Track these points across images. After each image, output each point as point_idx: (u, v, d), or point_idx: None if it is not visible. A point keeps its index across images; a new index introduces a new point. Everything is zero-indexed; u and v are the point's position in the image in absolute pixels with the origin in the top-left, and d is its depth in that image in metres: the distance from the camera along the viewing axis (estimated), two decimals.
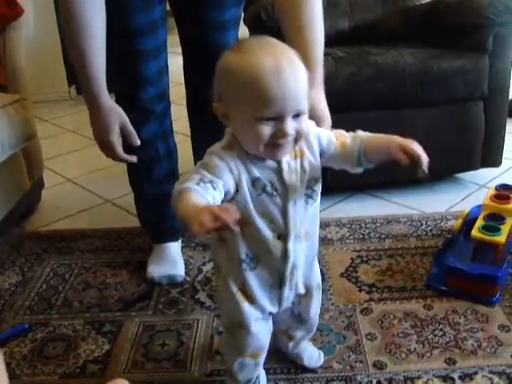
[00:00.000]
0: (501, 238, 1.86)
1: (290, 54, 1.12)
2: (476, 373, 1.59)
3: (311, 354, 1.62)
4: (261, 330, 1.37)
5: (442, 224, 2.31)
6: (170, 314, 1.88)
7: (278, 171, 1.20)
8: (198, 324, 1.82)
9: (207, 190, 1.07)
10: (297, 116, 1.12)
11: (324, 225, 2.34)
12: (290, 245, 1.26)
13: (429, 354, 1.65)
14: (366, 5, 2.96)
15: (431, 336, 1.72)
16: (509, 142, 2.87)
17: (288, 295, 1.35)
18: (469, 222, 2.05)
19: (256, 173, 1.17)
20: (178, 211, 1.04)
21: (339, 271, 2.04)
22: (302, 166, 1.23)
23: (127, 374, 1.63)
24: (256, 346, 1.39)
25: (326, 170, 1.29)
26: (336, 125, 2.39)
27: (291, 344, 1.59)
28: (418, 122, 2.49)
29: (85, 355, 1.72)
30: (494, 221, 1.94)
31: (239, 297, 1.30)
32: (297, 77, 1.11)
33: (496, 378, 1.57)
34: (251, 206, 1.18)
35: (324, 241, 2.23)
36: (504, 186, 2.14)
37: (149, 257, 2.12)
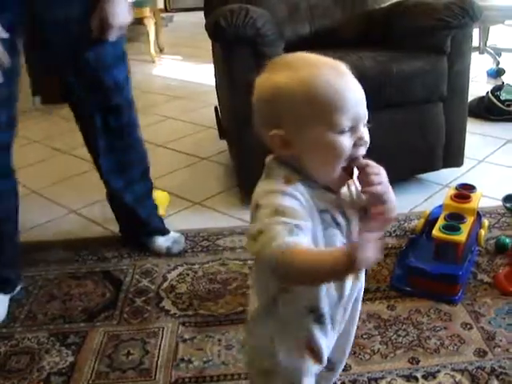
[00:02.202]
0: (461, 237, 1.89)
1: (333, 60, 1.05)
2: (439, 371, 1.61)
3: None
4: None
5: (405, 225, 2.34)
6: (134, 323, 1.87)
7: (339, 203, 1.08)
8: (162, 332, 1.82)
9: (302, 239, 0.96)
10: (364, 125, 1.04)
11: None
12: (347, 283, 1.13)
13: (392, 355, 1.67)
14: (327, 10, 2.98)
15: (395, 336, 1.74)
16: (470, 142, 2.92)
17: (333, 338, 1.20)
18: (430, 221, 2.07)
19: (322, 205, 1.05)
20: (301, 268, 0.94)
21: None
22: (352, 194, 1.11)
23: None
24: None
25: None
26: None
27: None
28: (379, 124, 2.44)
29: (49, 368, 1.70)
30: (455, 220, 1.96)
31: (303, 353, 1.15)
32: (356, 80, 1.04)
33: (458, 376, 1.59)
34: (321, 242, 1.05)
35: None
36: (464, 186, 2.17)
37: (114, 266, 2.11)
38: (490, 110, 3.60)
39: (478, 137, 3.31)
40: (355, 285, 1.16)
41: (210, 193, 2.76)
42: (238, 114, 2.47)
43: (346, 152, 1.02)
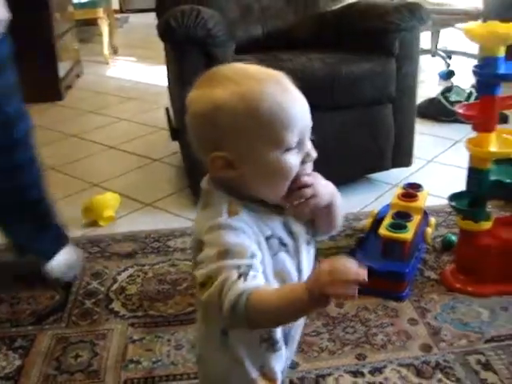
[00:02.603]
0: (407, 235, 1.92)
1: (276, 72, 1.00)
2: (385, 366, 1.64)
3: None
4: None
5: (355, 224, 2.37)
6: (83, 325, 1.85)
7: (285, 222, 1.04)
8: (112, 333, 1.80)
9: (258, 280, 0.92)
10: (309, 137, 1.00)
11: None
12: None
13: (340, 351, 1.69)
14: (279, 11, 3.00)
15: (342, 333, 1.76)
16: (420, 142, 2.98)
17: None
18: (378, 220, 2.10)
19: (268, 230, 1.00)
20: (265, 316, 0.91)
21: None
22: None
23: None
24: None
25: None
26: None
27: None
28: (329, 126, 2.54)
29: None
30: (402, 219, 2.00)
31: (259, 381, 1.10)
32: (299, 91, 0.99)
33: (404, 371, 1.62)
34: (268, 270, 1.00)
35: None
36: (411, 185, 2.21)
37: None
38: (439, 111, 3.67)
39: (427, 137, 3.37)
40: None
41: (162, 194, 2.75)
42: None
43: (294, 171, 0.97)
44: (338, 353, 1.69)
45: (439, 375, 1.61)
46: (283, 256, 1.02)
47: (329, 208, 1.05)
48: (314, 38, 2.88)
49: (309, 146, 0.99)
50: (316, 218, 1.08)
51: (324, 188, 1.02)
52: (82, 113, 4.15)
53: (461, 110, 1.91)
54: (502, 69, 1.76)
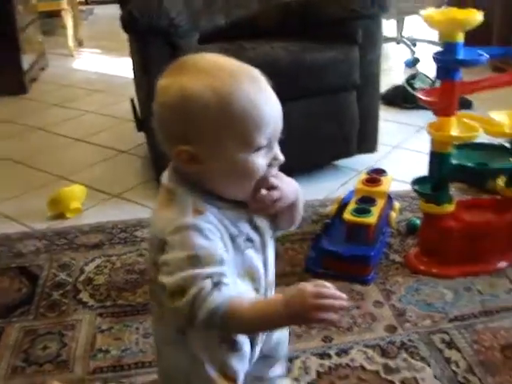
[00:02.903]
0: (371, 220, 1.95)
1: (251, 68, 0.98)
2: (351, 348, 1.67)
3: None
4: None
5: (321, 210, 2.39)
6: (51, 316, 1.85)
7: (250, 217, 1.03)
8: (80, 324, 1.81)
9: (231, 287, 0.93)
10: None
11: None
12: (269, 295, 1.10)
13: (307, 335, 1.71)
14: (243, 1, 3.00)
15: None
16: (386, 129, 3.02)
17: (258, 350, 1.17)
18: (343, 206, 2.13)
19: (232, 228, 0.99)
20: (241, 327, 0.94)
21: None
22: None
23: (7, 380, 1.60)
24: None
25: None
26: None
27: None
28: (295, 114, 2.55)
29: None
30: (365, 203, 2.03)
31: (219, 380, 1.08)
32: (272, 90, 0.97)
33: (370, 351, 1.65)
34: (237, 268, 1.00)
35: None
36: (375, 171, 2.25)
37: (30, 262, 2.08)
38: (404, 98, 3.70)
39: (392, 124, 3.41)
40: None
41: (129, 185, 2.75)
42: None
43: (260, 172, 0.96)
44: (304, 336, 1.71)
45: (404, 355, 1.64)
46: (251, 253, 1.02)
47: (291, 206, 1.06)
48: (279, 27, 2.88)
49: (277, 149, 0.99)
50: (278, 215, 1.08)
51: (288, 188, 1.03)
52: (48, 106, 4.11)
53: (421, 96, 1.94)
54: (461, 54, 1.79)
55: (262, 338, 1.14)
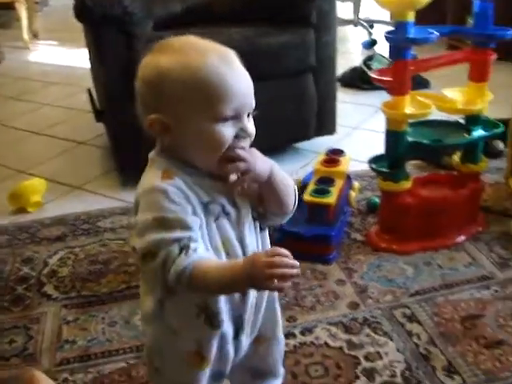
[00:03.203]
0: (330, 200, 1.98)
1: (225, 48, 1.04)
2: (315, 326, 1.70)
3: None
4: None
5: None
6: (16, 310, 1.84)
7: (226, 191, 1.05)
8: (45, 317, 1.80)
9: (199, 251, 0.97)
10: (249, 115, 1.03)
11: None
12: None
13: None
14: None
15: None
16: (344, 110, 3.06)
17: (245, 344, 1.18)
18: (303, 187, 2.14)
19: (205, 197, 1.02)
20: (207, 287, 0.97)
21: None
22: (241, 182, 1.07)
23: None
24: None
25: None
26: None
27: None
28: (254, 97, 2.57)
29: None
30: (325, 184, 2.05)
31: (192, 359, 1.11)
32: (244, 69, 1.03)
33: (334, 329, 1.69)
34: (205, 239, 1.02)
35: None
36: (334, 151, 2.27)
37: None
38: (362, 79, 3.74)
39: (351, 105, 3.45)
40: None
41: (89, 177, 2.73)
42: (112, 96, 2.47)
43: (225, 143, 1.00)
44: None
45: (367, 330, 1.68)
46: (224, 222, 1.04)
47: (270, 185, 1.07)
48: (234, 13, 2.88)
49: (246, 122, 1.02)
50: (263, 197, 1.10)
51: (261, 164, 1.04)
52: (3, 99, 4.05)
53: (375, 76, 1.97)
54: (412, 33, 1.82)
55: (248, 322, 1.15)
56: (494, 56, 1.98)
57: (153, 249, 0.96)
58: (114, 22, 2.34)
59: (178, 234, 0.96)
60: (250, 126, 1.03)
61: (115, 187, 2.60)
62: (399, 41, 1.84)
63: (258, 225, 1.11)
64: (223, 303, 1.07)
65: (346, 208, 2.18)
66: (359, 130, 3.14)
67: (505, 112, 2.49)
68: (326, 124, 2.80)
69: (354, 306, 1.78)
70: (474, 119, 2.04)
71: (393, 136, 1.94)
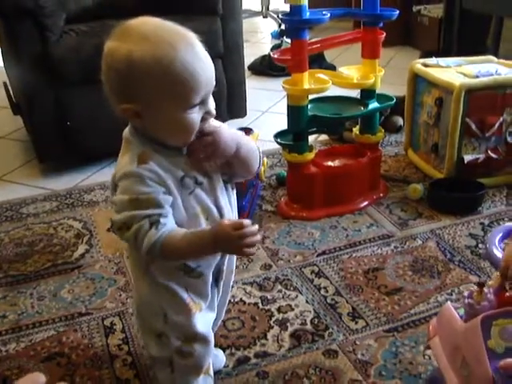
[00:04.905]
0: None
1: (186, 31, 1.08)
2: (232, 286, 1.81)
3: (216, 354, 1.54)
4: (212, 336, 1.32)
5: None
6: None
7: (198, 165, 1.14)
8: None
9: (168, 225, 1.08)
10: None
11: (89, 190, 2.49)
12: None
13: None
14: None
15: None
16: (255, 96, 3.24)
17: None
18: None
19: (180, 171, 1.11)
20: (185, 254, 1.11)
21: (106, 227, 2.20)
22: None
23: None
24: (209, 356, 1.34)
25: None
26: (88, 95, 2.52)
27: None
28: None
29: None
30: None
31: (193, 305, 1.23)
32: (206, 52, 1.08)
33: (248, 287, 1.84)
34: (182, 210, 1.12)
35: (90, 203, 2.39)
36: (243, 130, 2.40)
37: None
38: (271, 66, 3.92)
39: (262, 91, 3.63)
40: None
41: (9, 168, 2.78)
42: (27, 87, 2.53)
43: (195, 128, 1.08)
44: None
45: (279, 287, 1.84)
46: (199, 192, 1.14)
47: (237, 157, 1.18)
48: (144, 5, 2.98)
49: (210, 105, 1.10)
50: (231, 164, 1.20)
51: (228, 142, 1.15)
52: None
53: (275, 55, 2.13)
54: (306, 15, 1.99)
55: (225, 271, 1.29)
56: (383, 35, 2.18)
57: (127, 222, 1.08)
58: (26, 14, 2.39)
59: (148, 211, 1.06)
60: (212, 106, 1.11)
61: (36, 176, 2.67)
62: (294, 22, 1.99)
63: (228, 186, 1.22)
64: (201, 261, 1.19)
65: (255, 181, 2.32)
66: (269, 113, 3.31)
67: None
68: (236, 108, 2.95)
69: (266, 267, 1.94)
70: (368, 93, 2.23)
71: (294, 111, 2.10)
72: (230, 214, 1.22)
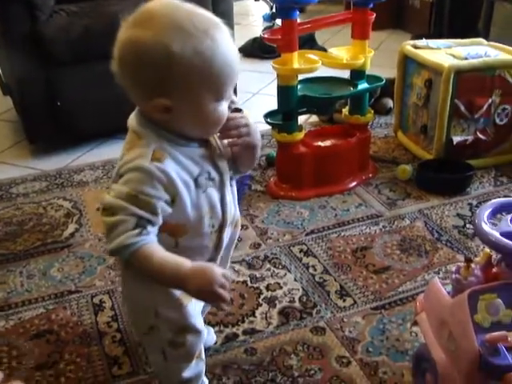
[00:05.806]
0: None
1: (213, 16, 1.04)
2: None
3: (208, 332, 1.52)
4: (203, 324, 1.31)
5: None
6: None
7: (212, 158, 1.12)
8: None
9: (152, 236, 1.04)
10: None
11: (79, 170, 2.49)
12: (224, 234, 1.20)
13: None
14: None
15: None
16: (246, 78, 3.28)
17: None
18: None
19: (195, 168, 1.08)
20: (153, 272, 1.04)
21: (95, 207, 2.20)
22: (219, 145, 1.15)
23: None
24: (201, 343, 1.32)
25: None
26: (79, 75, 2.52)
27: None
28: None
29: None
30: None
31: (184, 298, 1.19)
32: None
33: (237, 266, 1.85)
34: (189, 210, 1.09)
35: (80, 184, 2.39)
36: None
37: None
38: (262, 48, 3.91)
39: (253, 73, 3.62)
40: (234, 232, 1.27)
41: (0, 149, 2.79)
42: (17, 67, 2.52)
43: (224, 119, 1.07)
44: None
45: (268, 265, 1.85)
46: (211, 190, 1.12)
47: (253, 149, 1.18)
48: None
49: (232, 93, 1.08)
50: (238, 159, 1.19)
51: (255, 128, 1.17)
52: None
53: (266, 35, 2.13)
54: None
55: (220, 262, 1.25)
56: (373, 16, 2.18)
57: (114, 207, 1.02)
58: None
59: (141, 212, 1.01)
60: (233, 95, 1.10)
61: (25, 156, 2.67)
62: (284, 2, 1.99)
63: (232, 182, 1.21)
64: (192, 253, 1.13)
65: None
66: (260, 95, 3.32)
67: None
68: None
69: (255, 246, 1.95)
70: (358, 74, 2.23)
71: (284, 90, 2.10)
72: (233, 210, 1.21)
